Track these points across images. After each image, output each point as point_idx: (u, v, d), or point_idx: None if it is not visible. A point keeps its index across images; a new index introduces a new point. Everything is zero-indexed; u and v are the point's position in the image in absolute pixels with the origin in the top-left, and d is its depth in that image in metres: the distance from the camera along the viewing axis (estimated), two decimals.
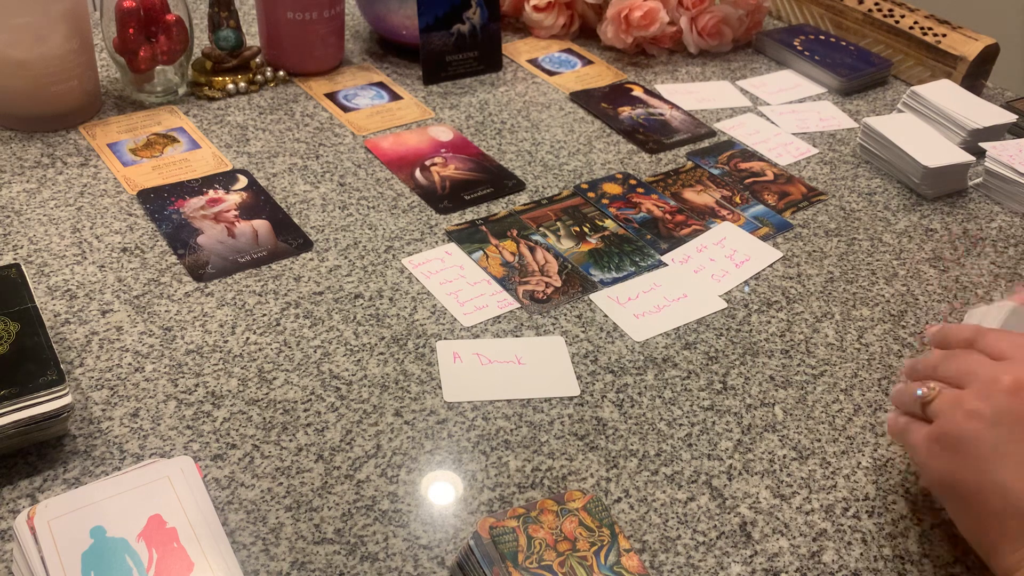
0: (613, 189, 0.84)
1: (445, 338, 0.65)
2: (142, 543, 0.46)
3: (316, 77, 0.98)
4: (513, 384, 0.62)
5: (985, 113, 0.94)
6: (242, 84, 0.93)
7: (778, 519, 0.54)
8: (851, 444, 0.60)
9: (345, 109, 0.93)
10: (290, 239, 0.73)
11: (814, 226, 0.82)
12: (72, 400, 0.55)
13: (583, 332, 0.67)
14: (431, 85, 0.99)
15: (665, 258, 0.75)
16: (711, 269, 0.74)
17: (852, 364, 0.66)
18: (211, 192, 0.78)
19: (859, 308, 0.72)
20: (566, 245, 0.75)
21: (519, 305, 0.68)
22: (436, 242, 0.75)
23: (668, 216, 0.81)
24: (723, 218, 0.81)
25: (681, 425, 0.60)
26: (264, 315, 0.65)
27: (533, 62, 1.06)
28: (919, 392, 0.48)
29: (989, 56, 1.04)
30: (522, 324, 0.67)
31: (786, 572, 0.51)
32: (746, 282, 0.73)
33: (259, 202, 0.77)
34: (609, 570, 0.46)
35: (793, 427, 0.61)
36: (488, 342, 0.65)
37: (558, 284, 0.71)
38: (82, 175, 0.78)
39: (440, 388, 0.61)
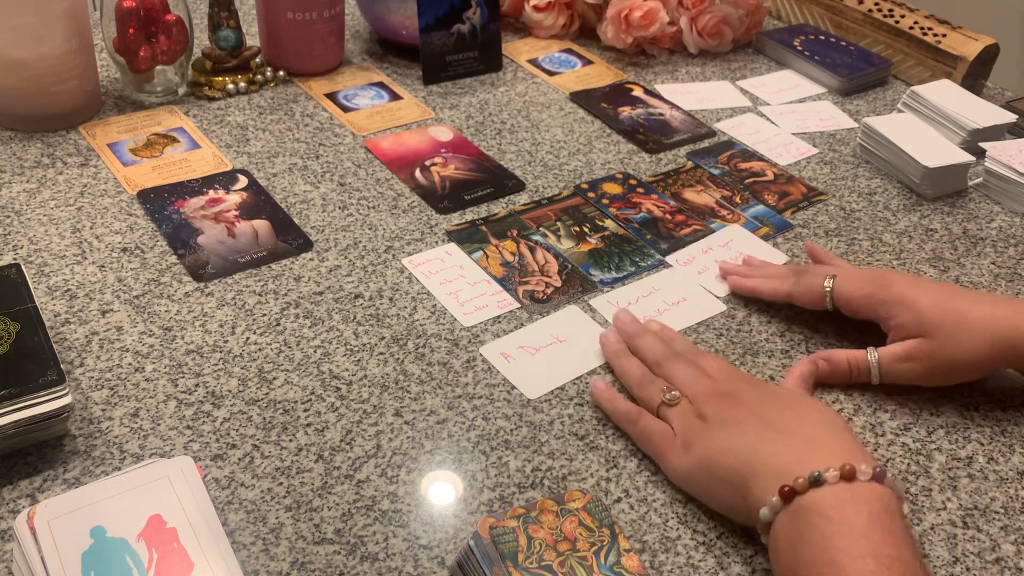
0: (613, 189, 0.84)
1: (471, 344, 0.65)
2: (142, 543, 0.46)
3: (316, 77, 0.98)
4: (571, 361, 0.64)
5: (985, 113, 0.94)
6: (242, 84, 0.93)
7: None
8: None
9: (345, 109, 0.93)
10: (290, 239, 0.73)
11: (814, 226, 0.82)
12: (72, 400, 0.55)
13: None
14: (431, 85, 0.99)
15: (669, 259, 0.75)
16: (715, 270, 0.74)
17: None
18: (211, 192, 0.78)
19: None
20: (566, 245, 0.75)
21: (519, 305, 0.69)
22: (436, 242, 0.75)
23: (668, 216, 0.81)
24: (723, 218, 0.81)
25: None
26: (264, 315, 0.65)
27: (533, 62, 1.06)
28: (665, 396, 0.57)
29: (989, 56, 1.04)
30: (522, 324, 0.67)
31: None
32: None
33: (259, 202, 0.77)
34: (609, 570, 0.46)
35: None
36: (520, 335, 0.66)
37: (558, 284, 0.71)
38: (82, 175, 0.78)
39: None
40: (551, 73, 1.04)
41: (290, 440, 0.56)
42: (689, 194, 0.84)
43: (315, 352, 0.63)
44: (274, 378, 0.60)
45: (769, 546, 0.48)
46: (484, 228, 0.77)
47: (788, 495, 0.46)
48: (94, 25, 0.90)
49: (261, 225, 0.75)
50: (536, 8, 1.10)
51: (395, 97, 0.96)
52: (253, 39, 1.01)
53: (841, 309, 0.66)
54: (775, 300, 0.70)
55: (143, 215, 0.74)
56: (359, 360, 0.62)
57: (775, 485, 0.47)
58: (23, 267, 0.60)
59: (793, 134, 0.96)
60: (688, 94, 1.03)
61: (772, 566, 0.48)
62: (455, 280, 0.70)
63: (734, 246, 0.77)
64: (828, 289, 0.66)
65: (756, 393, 0.55)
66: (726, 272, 0.73)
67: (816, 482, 0.46)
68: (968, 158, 0.87)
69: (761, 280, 0.70)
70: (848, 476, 0.46)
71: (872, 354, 0.63)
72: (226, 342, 0.63)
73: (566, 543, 0.47)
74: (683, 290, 0.72)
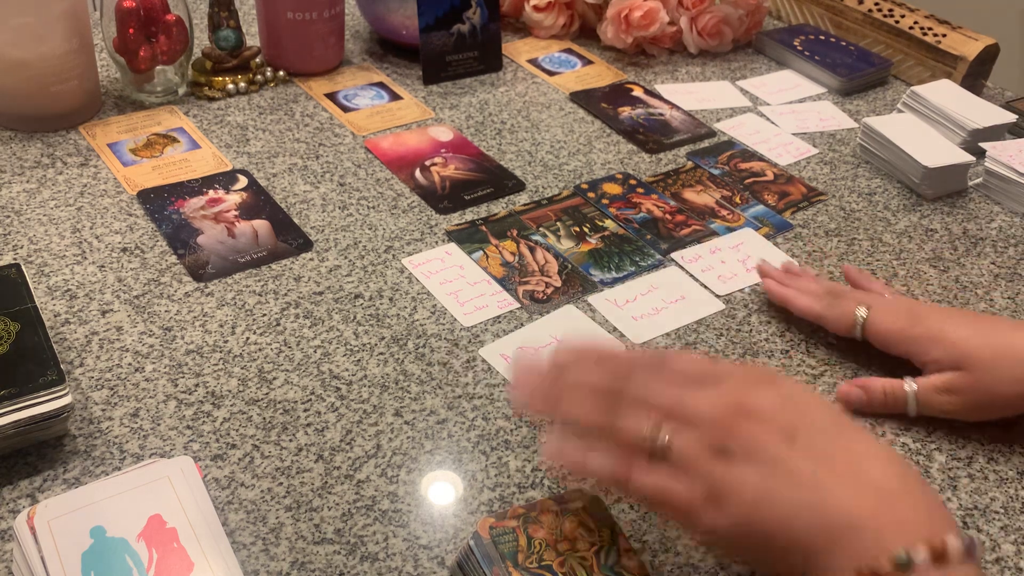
0: (613, 189, 0.84)
1: (471, 344, 0.65)
2: (142, 543, 0.46)
3: (316, 77, 0.98)
4: None
5: (985, 113, 0.94)
6: (242, 84, 0.93)
7: None
8: None
9: (345, 109, 0.93)
10: (290, 239, 0.73)
11: (814, 226, 0.82)
12: (72, 400, 0.55)
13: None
14: (431, 85, 0.99)
15: (675, 255, 0.75)
16: (720, 270, 0.74)
17: (852, 364, 0.66)
18: (211, 192, 0.78)
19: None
20: (566, 245, 0.75)
21: (519, 305, 0.69)
22: (436, 242, 0.75)
23: (668, 216, 0.81)
24: (723, 218, 0.81)
25: None
26: (264, 315, 0.65)
27: (533, 62, 1.06)
28: (652, 440, 0.42)
29: (989, 56, 1.04)
30: (522, 324, 0.67)
31: None
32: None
33: (259, 202, 0.77)
34: (610, 570, 0.46)
35: None
36: (518, 335, 0.65)
37: (558, 284, 0.71)
38: (82, 175, 0.78)
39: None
40: (551, 73, 1.04)
41: (290, 440, 0.56)
42: (689, 194, 0.84)
43: (315, 352, 0.63)
44: (274, 378, 0.60)
45: None
46: (484, 228, 0.77)
47: None
48: (94, 25, 0.90)
49: (261, 225, 0.75)
50: (536, 8, 1.10)
51: (395, 97, 0.96)
52: (253, 39, 1.01)
53: (871, 342, 0.63)
54: (805, 317, 0.67)
55: (143, 215, 0.74)
56: (359, 360, 0.62)
57: (850, 562, 0.37)
58: (23, 267, 0.60)
59: (793, 134, 0.96)
60: (688, 94, 1.03)
61: None
62: (455, 280, 0.70)
63: (744, 248, 0.77)
64: (861, 320, 0.63)
65: (784, 407, 0.42)
66: (764, 274, 0.71)
67: (903, 567, 0.37)
68: (968, 158, 0.87)
69: (796, 293, 0.68)
70: (940, 556, 0.37)
71: (909, 384, 0.60)
72: (226, 342, 0.63)
73: (566, 543, 0.47)
74: (681, 288, 0.72)
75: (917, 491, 0.40)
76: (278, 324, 0.65)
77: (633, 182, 0.85)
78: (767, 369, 0.48)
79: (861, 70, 1.06)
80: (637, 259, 0.75)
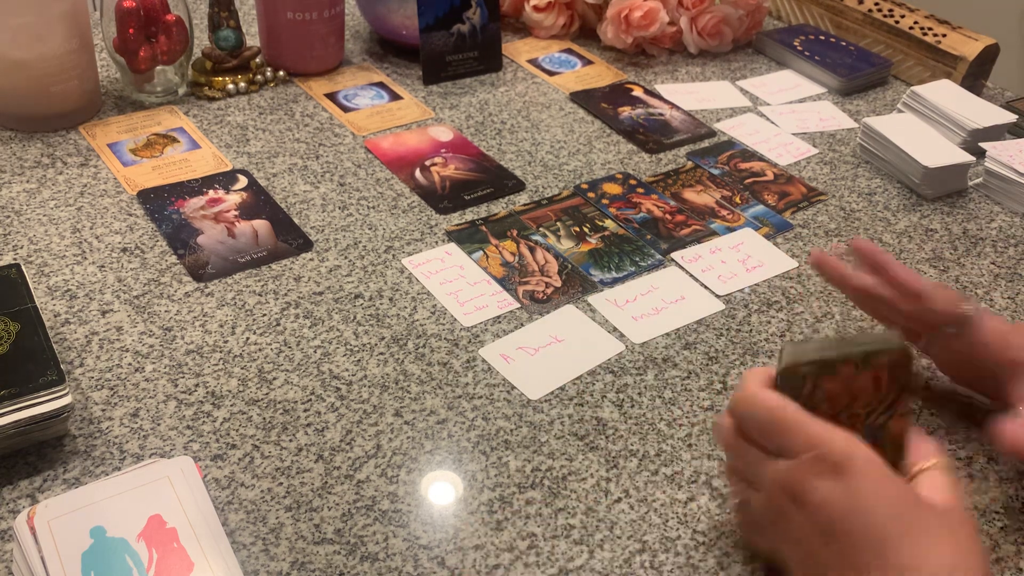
0: (613, 189, 0.84)
1: (471, 344, 0.65)
2: (142, 543, 0.46)
3: (316, 77, 0.98)
4: (571, 361, 0.64)
5: (985, 113, 0.94)
6: (242, 84, 0.93)
7: None
8: None
9: (345, 109, 0.93)
10: (290, 239, 0.73)
11: (814, 226, 0.82)
12: (72, 400, 0.55)
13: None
14: (431, 85, 0.99)
15: (675, 255, 0.75)
16: (720, 270, 0.74)
17: None
18: (211, 192, 0.78)
19: (859, 308, 0.72)
20: (566, 245, 0.75)
21: (519, 305, 0.69)
22: (436, 242, 0.75)
23: (668, 216, 0.81)
24: (723, 218, 0.81)
25: (681, 425, 0.60)
26: (264, 315, 0.65)
27: (533, 62, 1.06)
28: (743, 498, 0.49)
29: (989, 56, 1.04)
30: (522, 324, 0.67)
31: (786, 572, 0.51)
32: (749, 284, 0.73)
33: (259, 202, 0.77)
34: (870, 429, 0.45)
35: None
36: (518, 335, 0.65)
37: (558, 284, 0.71)
38: (82, 175, 0.78)
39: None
40: (551, 73, 1.04)
41: (290, 440, 0.56)
42: (689, 194, 0.84)
43: (315, 352, 0.63)
44: (274, 378, 0.60)
45: None
46: (484, 228, 0.77)
47: None
48: (94, 25, 0.90)
49: (261, 225, 0.75)
50: (536, 8, 1.10)
51: (395, 97, 0.96)
52: (253, 39, 1.01)
53: (982, 350, 0.57)
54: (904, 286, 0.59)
55: (143, 215, 0.74)
56: (359, 360, 0.62)
57: None
58: (23, 267, 0.60)
59: (793, 134, 0.96)
60: (688, 94, 1.03)
61: None
62: (455, 280, 0.70)
63: (744, 248, 0.77)
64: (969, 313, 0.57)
65: (835, 504, 0.43)
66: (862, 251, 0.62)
67: None
68: (968, 158, 0.87)
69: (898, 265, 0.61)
70: None
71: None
72: (226, 342, 0.63)
73: (847, 397, 0.45)
74: (681, 288, 0.72)
75: None
76: (278, 324, 0.65)
77: (633, 182, 0.85)
78: (851, 453, 0.43)
79: (861, 70, 1.06)
80: (637, 259, 0.75)
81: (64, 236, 0.71)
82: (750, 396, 0.46)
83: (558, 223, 0.78)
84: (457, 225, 0.77)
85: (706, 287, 0.72)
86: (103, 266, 0.68)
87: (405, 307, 0.67)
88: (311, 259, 0.71)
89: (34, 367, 0.53)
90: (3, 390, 0.51)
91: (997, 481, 0.58)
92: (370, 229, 0.75)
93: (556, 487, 0.55)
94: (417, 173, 0.83)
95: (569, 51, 1.10)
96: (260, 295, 0.67)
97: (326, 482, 0.54)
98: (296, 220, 0.76)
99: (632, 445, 0.58)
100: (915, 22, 1.08)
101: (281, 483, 0.53)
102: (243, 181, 0.80)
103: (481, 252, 0.74)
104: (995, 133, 0.93)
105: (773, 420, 0.45)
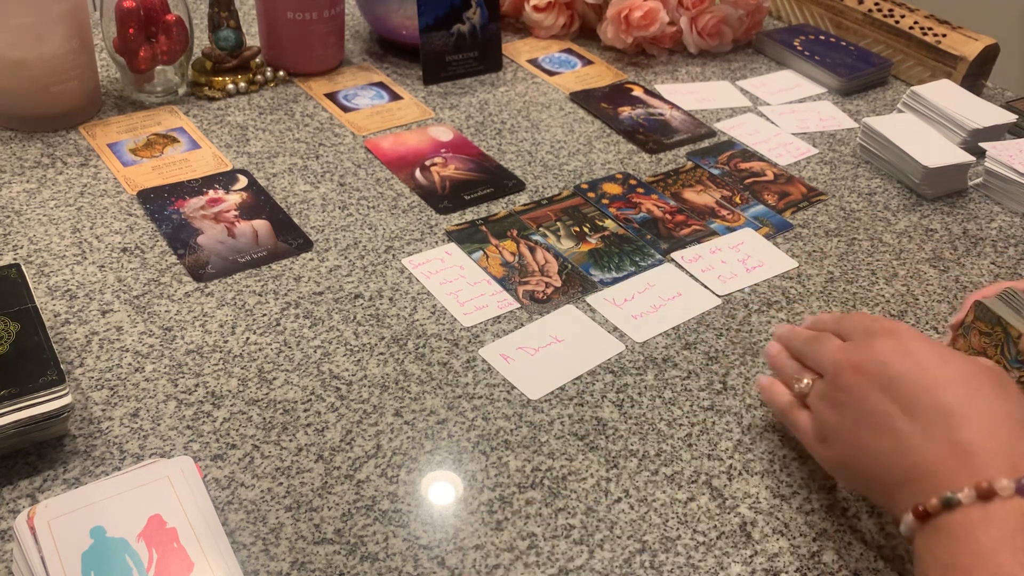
0: (613, 189, 0.84)
1: (471, 344, 0.65)
2: (142, 543, 0.46)
3: (316, 77, 0.98)
4: (571, 361, 0.64)
5: (985, 113, 0.94)
6: (242, 84, 0.93)
7: (778, 519, 0.54)
8: None
9: (345, 109, 0.93)
10: (290, 239, 0.73)
11: (814, 226, 0.82)
12: (72, 400, 0.55)
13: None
14: (431, 85, 0.99)
15: (675, 255, 0.75)
16: (720, 270, 0.74)
17: None
18: (211, 192, 0.78)
19: (859, 308, 0.72)
20: (566, 245, 0.75)
21: (519, 305, 0.69)
22: (436, 242, 0.75)
23: (668, 216, 0.81)
24: (723, 218, 0.81)
25: (681, 425, 0.60)
26: (264, 315, 0.65)
27: (533, 62, 1.06)
28: (796, 388, 0.54)
29: (989, 56, 1.04)
30: (522, 324, 0.67)
31: (786, 572, 0.51)
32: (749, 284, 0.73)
33: (259, 202, 0.77)
34: (1015, 360, 0.53)
35: None
36: (518, 335, 0.65)
37: (558, 284, 0.71)
38: (82, 175, 0.78)
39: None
40: (551, 73, 1.04)
41: (290, 440, 0.56)
42: (689, 194, 0.84)
43: (315, 352, 0.63)
44: (274, 378, 0.60)
45: (913, 556, 0.46)
46: (484, 228, 0.77)
47: (922, 516, 0.44)
48: (94, 25, 0.90)
49: (261, 225, 0.75)
50: (536, 8, 1.10)
51: (395, 97, 0.96)
52: (253, 39, 1.01)
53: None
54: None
55: (143, 215, 0.74)
56: (359, 360, 0.62)
57: (910, 500, 0.45)
58: (23, 267, 0.60)
59: (793, 134, 0.96)
60: (688, 94, 1.03)
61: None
62: (455, 280, 0.70)
63: (744, 248, 0.77)
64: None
65: (891, 360, 0.48)
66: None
67: (949, 504, 0.43)
68: (968, 158, 0.87)
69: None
70: (985, 495, 0.42)
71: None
72: (226, 342, 0.63)
73: (978, 354, 0.55)
74: (678, 285, 0.72)
75: (996, 445, 0.44)
76: (278, 324, 0.65)
77: (633, 182, 0.85)
78: (896, 325, 0.51)
79: (861, 70, 1.06)
80: (637, 259, 0.75)
81: (64, 236, 0.71)
82: (835, 315, 0.56)
83: (558, 223, 0.78)
84: (457, 225, 0.77)
85: (706, 287, 0.72)
86: (103, 266, 0.68)
87: (405, 307, 0.67)
88: (311, 259, 0.71)
89: (34, 367, 0.53)
90: (3, 390, 0.51)
91: None
92: (370, 229, 0.75)
93: (556, 487, 0.55)
94: (417, 173, 0.83)
95: (569, 51, 1.10)
96: (260, 295, 0.67)
97: (326, 482, 0.54)
98: (296, 220, 0.76)
99: (632, 445, 0.58)
100: (915, 22, 1.08)
101: (281, 483, 0.53)
102: (243, 181, 0.80)
103: (481, 252, 0.74)
104: (995, 133, 0.93)
105: (835, 315, 0.56)
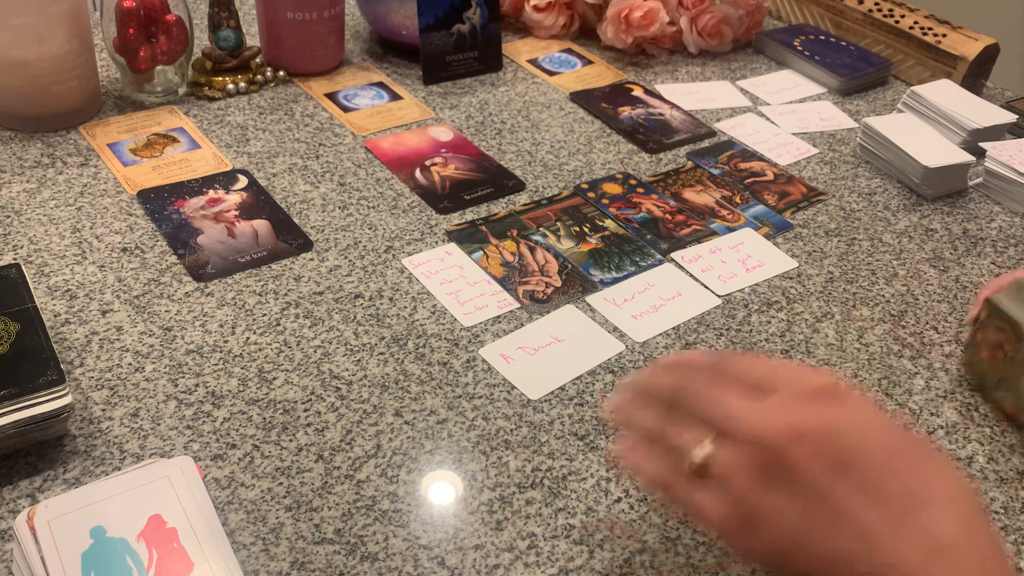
0: (613, 189, 0.84)
1: (471, 344, 0.65)
2: (142, 543, 0.46)
3: (316, 77, 0.98)
4: (571, 361, 0.64)
5: (985, 113, 0.94)
6: (242, 84, 0.93)
7: None
8: None
9: (345, 109, 0.93)
10: (290, 239, 0.73)
11: (814, 226, 0.82)
12: (72, 400, 0.55)
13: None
14: (431, 85, 0.99)
15: (675, 255, 0.75)
16: (719, 270, 0.74)
17: (852, 364, 0.66)
18: (211, 192, 0.78)
19: (859, 308, 0.72)
20: (566, 245, 0.75)
21: (519, 305, 0.69)
22: (436, 242, 0.75)
23: (668, 216, 0.81)
24: (723, 218, 0.81)
25: None
26: (264, 315, 0.65)
27: (533, 62, 1.06)
28: (693, 455, 0.40)
29: (989, 56, 1.04)
30: (522, 324, 0.67)
31: None
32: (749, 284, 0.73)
33: (259, 202, 0.77)
34: None
35: None
36: (518, 335, 0.65)
37: (558, 284, 0.71)
38: (82, 175, 0.78)
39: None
40: (551, 73, 1.04)
41: (290, 440, 0.56)
42: (689, 194, 0.84)
43: (315, 352, 0.63)
44: (274, 378, 0.60)
45: None
46: (484, 228, 0.77)
47: None
48: (94, 25, 0.90)
49: (261, 225, 0.75)
50: (536, 8, 1.10)
51: (395, 97, 0.96)
52: (253, 39, 1.01)
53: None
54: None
55: (143, 215, 0.74)
56: (359, 360, 0.62)
57: None
58: (23, 267, 0.60)
59: (793, 134, 0.96)
60: (688, 94, 1.03)
61: None
62: (455, 280, 0.70)
63: (744, 248, 0.77)
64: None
65: (840, 431, 0.38)
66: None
67: None
68: (968, 158, 0.87)
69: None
70: None
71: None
72: (226, 342, 0.63)
73: (999, 350, 0.58)
74: (677, 285, 0.72)
75: (977, 545, 0.37)
76: (278, 324, 0.65)
77: (633, 182, 0.85)
78: (827, 379, 0.40)
79: (861, 70, 1.06)
80: (637, 259, 0.75)
81: (64, 236, 0.71)
82: (718, 355, 0.43)
83: (558, 223, 0.78)
84: (457, 225, 0.77)
85: (706, 287, 0.72)
86: (103, 266, 0.68)
87: (405, 307, 0.67)
88: (311, 259, 0.71)
89: (34, 367, 0.53)
90: (3, 390, 0.51)
91: (997, 481, 0.58)
92: (370, 229, 0.75)
93: (556, 487, 0.55)
94: (417, 173, 0.83)
95: (569, 51, 1.10)
96: (260, 295, 0.67)
97: (326, 482, 0.54)
98: (296, 220, 0.76)
99: None
100: (915, 22, 1.08)
101: (281, 483, 0.53)
102: (243, 181, 0.80)
103: (481, 252, 0.74)
104: (995, 133, 0.93)
105: (753, 363, 0.41)
